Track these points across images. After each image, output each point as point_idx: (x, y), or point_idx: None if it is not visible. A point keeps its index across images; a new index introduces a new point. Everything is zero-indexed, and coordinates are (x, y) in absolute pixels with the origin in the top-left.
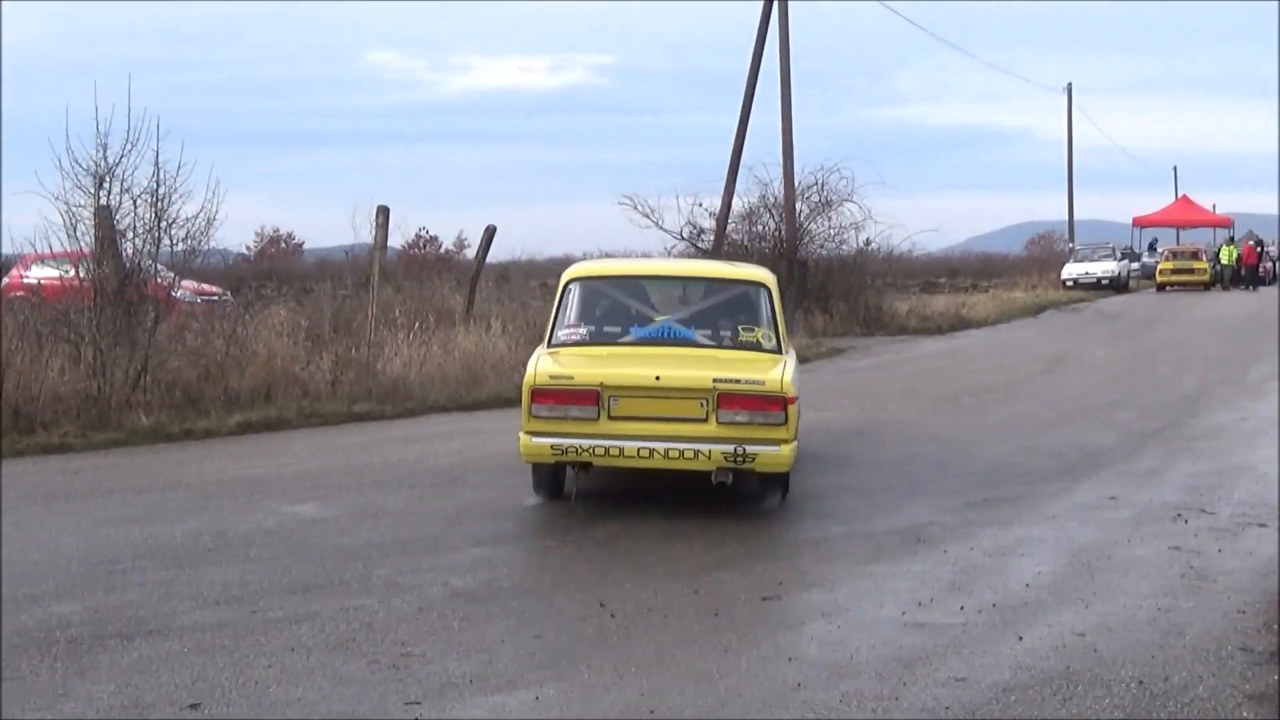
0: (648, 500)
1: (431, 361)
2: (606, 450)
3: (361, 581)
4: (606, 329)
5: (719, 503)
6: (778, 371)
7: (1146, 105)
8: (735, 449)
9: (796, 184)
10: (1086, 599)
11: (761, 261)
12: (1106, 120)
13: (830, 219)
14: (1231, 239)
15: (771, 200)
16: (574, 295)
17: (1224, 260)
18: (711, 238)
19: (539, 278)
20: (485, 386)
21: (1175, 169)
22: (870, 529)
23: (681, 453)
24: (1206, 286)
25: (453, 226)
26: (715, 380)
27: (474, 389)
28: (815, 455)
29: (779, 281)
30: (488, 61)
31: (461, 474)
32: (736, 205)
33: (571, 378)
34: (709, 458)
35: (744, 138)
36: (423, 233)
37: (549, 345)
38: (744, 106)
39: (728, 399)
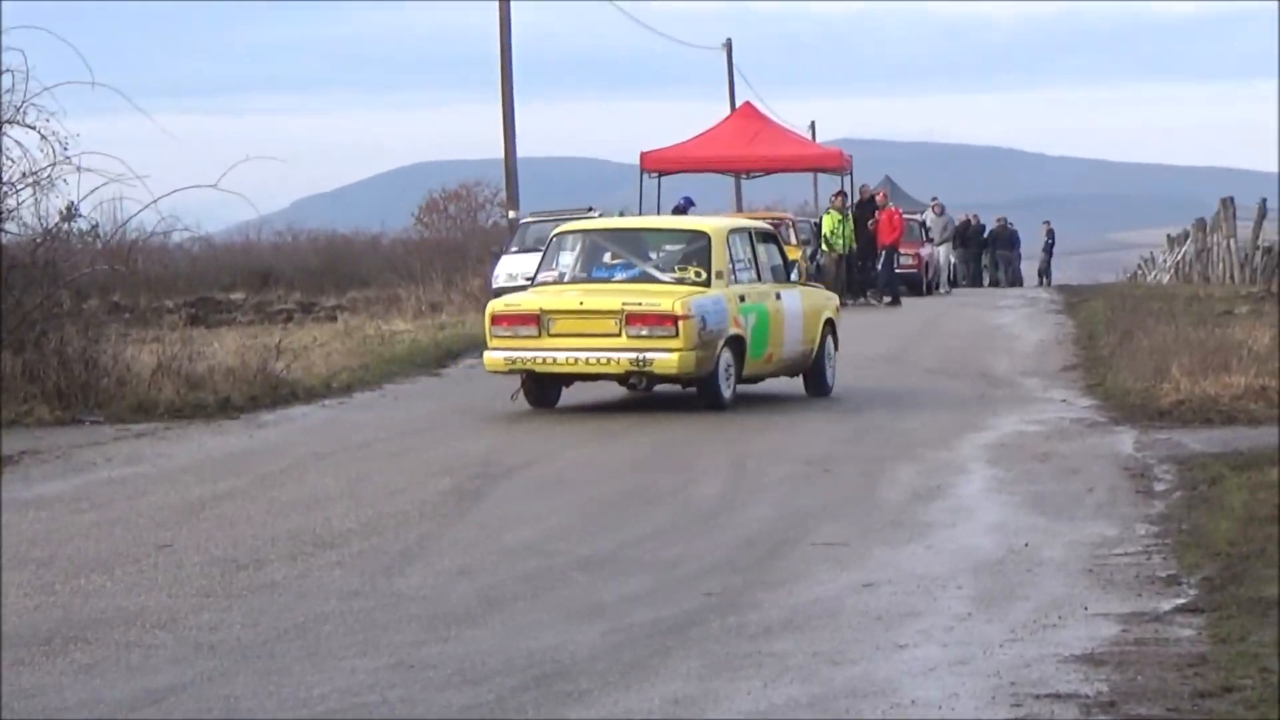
0: None
1: None
2: (544, 359)
3: None
4: (578, 271)
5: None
6: (677, 298)
7: None
8: (638, 356)
9: None
10: None
11: None
12: None
13: None
14: (843, 197)
15: None
16: (554, 245)
17: (828, 235)
18: None
19: None
20: None
21: (729, 43)
22: None
23: (599, 360)
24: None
25: None
26: (624, 303)
27: None
28: None
29: None
30: None
31: None
32: None
33: (519, 304)
34: (619, 364)
35: None
36: None
37: (532, 285)
38: None
39: (632, 318)
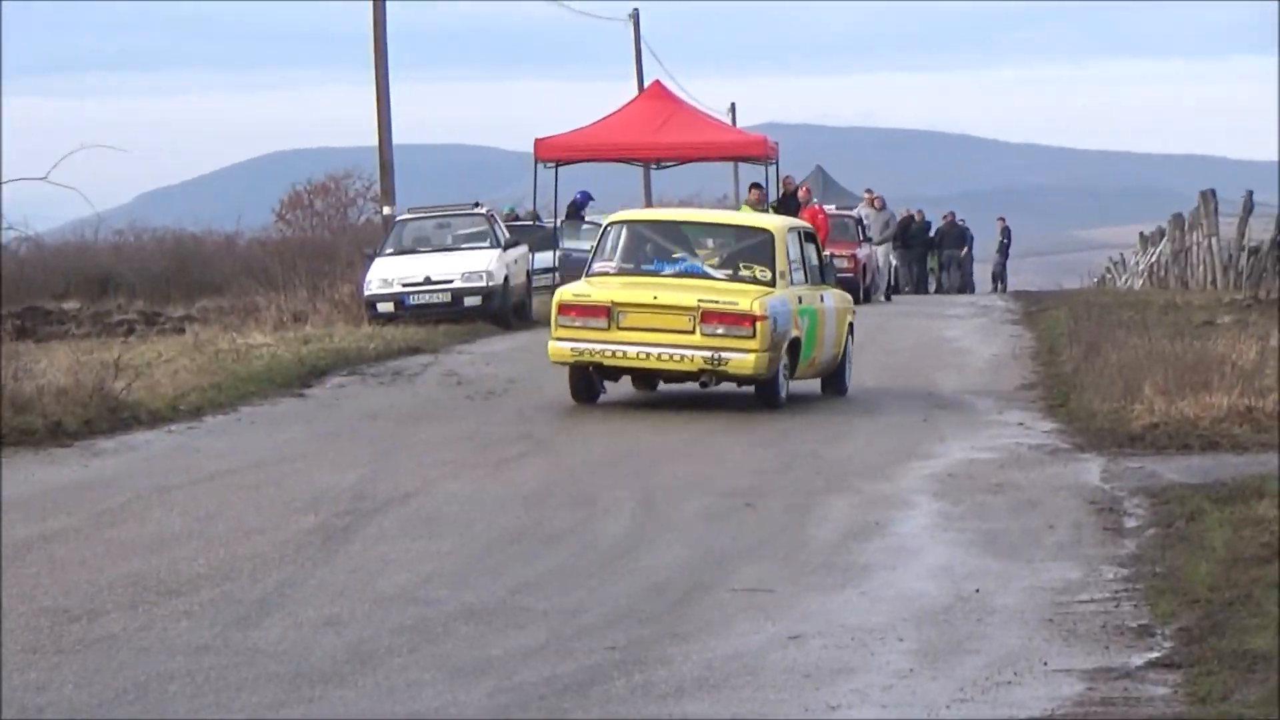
0: None
1: None
2: (613, 353)
3: None
4: (624, 262)
5: None
6: (753, 297)
7: None
8: (712, 355)
9: None
10: None
11: None
12: None
13: None
14: (759, 189)
15: None
16: (607, 235)
17: None
18: None
19: None
20: None
21: (636, 14)
22: None
23: (672, 356)
24: None
25: None
26: (700, 300)
27: None
28: None
29: None
30: None
31: None
32: None
33: (589, 295)
34: (692, 361)
35: None
36: None
37: (586, 275)
38: None
39: (708, 315)
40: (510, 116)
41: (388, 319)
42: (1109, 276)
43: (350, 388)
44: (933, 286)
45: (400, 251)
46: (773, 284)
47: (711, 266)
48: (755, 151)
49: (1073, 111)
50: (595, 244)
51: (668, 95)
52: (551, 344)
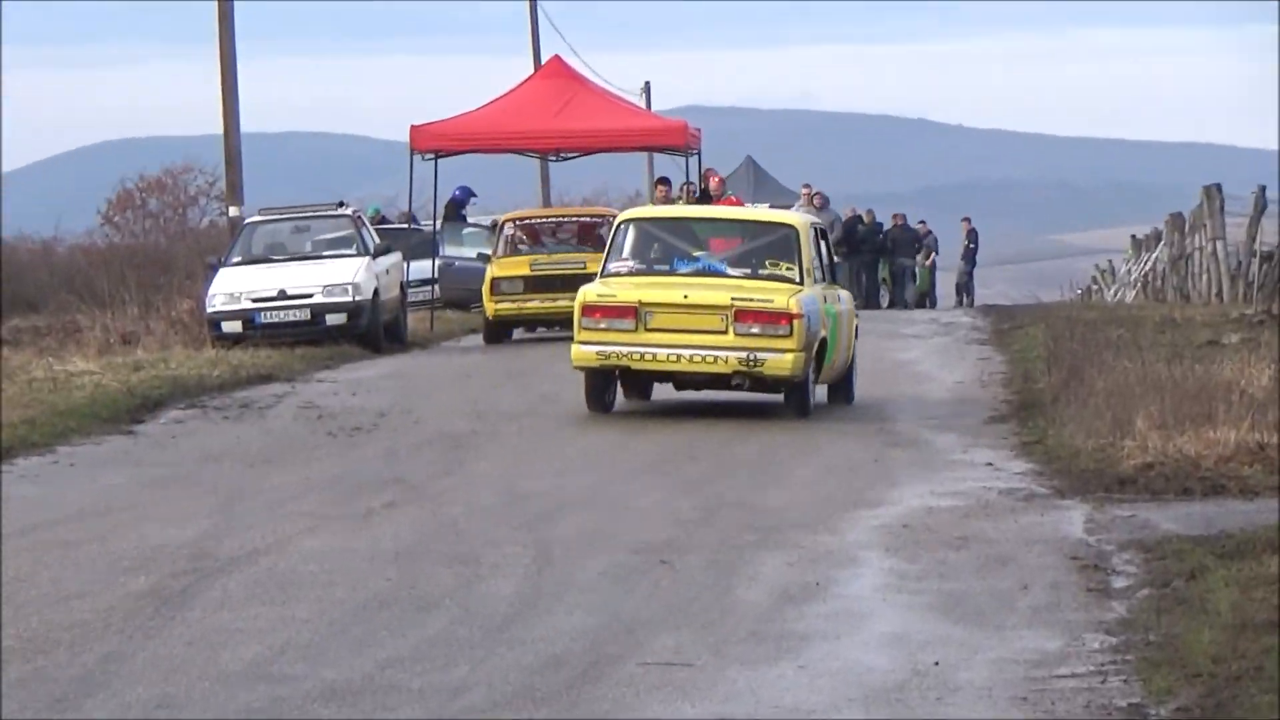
0: None
1: None
2: (642, 355)
3: None
4: (654, 265)
5: None
6: (787, 295)
7: None
8: (748, 355)
9: None
10: None
11: None
12: None
13: None
14: (667, 185)
15: None
16: (621, 233)
17: None
18: None
19: None
20: None
21: None
22: None
23: (704, 358)
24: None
25: None
26: (734, 299)
27: None
28: None
29: None
30: None
31: None
32: None
33: (615, 295)
34: (726, 362)
35: None
36: None
37: (601, 275)
38: None
39: (742, 314)
40: (382, 99)
41: (235, 341)
42: (1095, 288)
43: (190, 423)
44: (885, 300)
45: (250, 260)
46: (800, 281)
47: (730, 265)
48: (673, 140)
49: (1051, 92)
50: (609, 243)
51: (569, 73)
52: (575, 348)
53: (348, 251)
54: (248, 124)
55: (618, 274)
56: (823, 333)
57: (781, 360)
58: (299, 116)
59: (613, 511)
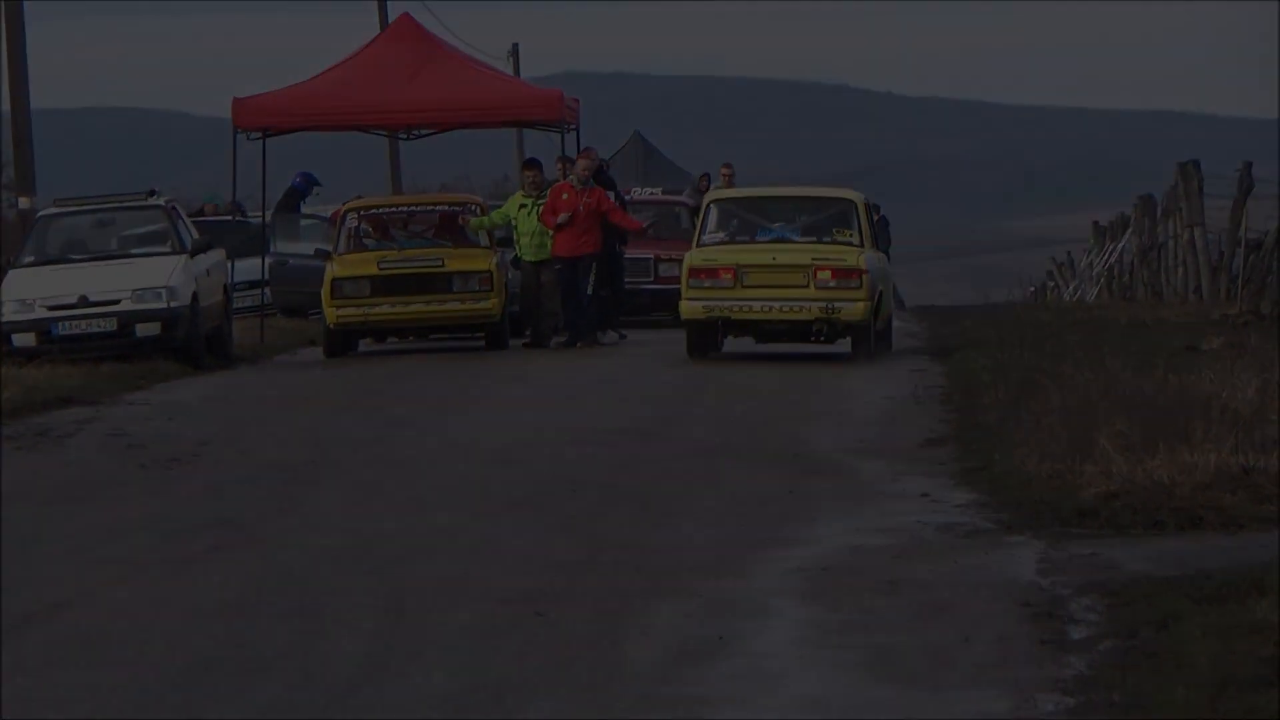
0: None
1: None
2: (740, 308)
3: None
4: (737, 235)
5: None
6: (856, 255)
7: None
8: (826, 305)
9: None
10: None
11: None
12: None
13: None
14: (538, 168)
15: None
16: (710, 213)
17: (516, 232)
18: None
19: None
20: None
21: None
22: None
23: (792, 308)
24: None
25: None
26: (814, 259)
27: None
28: None
29: None
30: None
31: None
32: None
33: (716, 259)
34: (809, 311)
35: None
36: None
37: (698, 245)
38: None
39: (821, 270)
40: (199, 68)
41: (27, 356)
42: (1051, 285)
43: None
44: None
45: (44, 261)
46: (862, 245)
47: (802, 233)
48: (547, 113)
49: (994, 54)
50: (701, 220)
51: (421, 34)
52: (684, 304)
53: (161, 249)
54: (39, 100)
55: (711, 244)
56: (880, 287)
57: (854, 309)
58: (100, 91)
59: (477, 555)
